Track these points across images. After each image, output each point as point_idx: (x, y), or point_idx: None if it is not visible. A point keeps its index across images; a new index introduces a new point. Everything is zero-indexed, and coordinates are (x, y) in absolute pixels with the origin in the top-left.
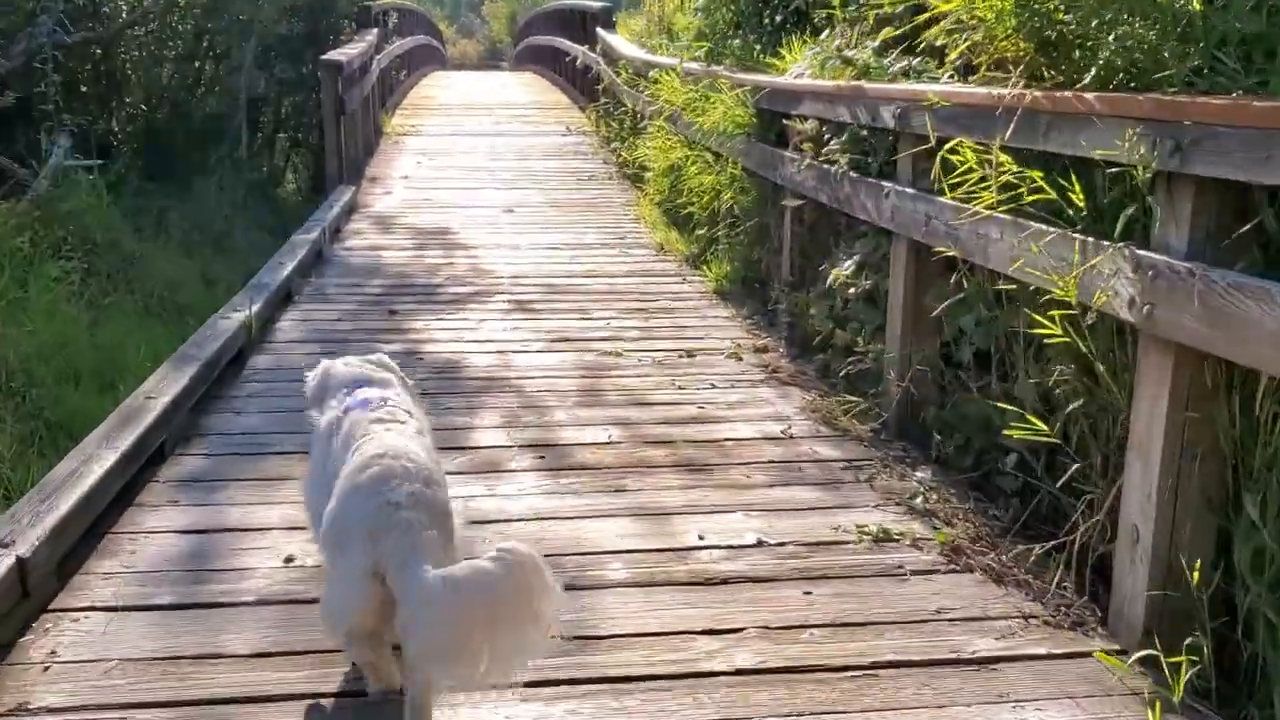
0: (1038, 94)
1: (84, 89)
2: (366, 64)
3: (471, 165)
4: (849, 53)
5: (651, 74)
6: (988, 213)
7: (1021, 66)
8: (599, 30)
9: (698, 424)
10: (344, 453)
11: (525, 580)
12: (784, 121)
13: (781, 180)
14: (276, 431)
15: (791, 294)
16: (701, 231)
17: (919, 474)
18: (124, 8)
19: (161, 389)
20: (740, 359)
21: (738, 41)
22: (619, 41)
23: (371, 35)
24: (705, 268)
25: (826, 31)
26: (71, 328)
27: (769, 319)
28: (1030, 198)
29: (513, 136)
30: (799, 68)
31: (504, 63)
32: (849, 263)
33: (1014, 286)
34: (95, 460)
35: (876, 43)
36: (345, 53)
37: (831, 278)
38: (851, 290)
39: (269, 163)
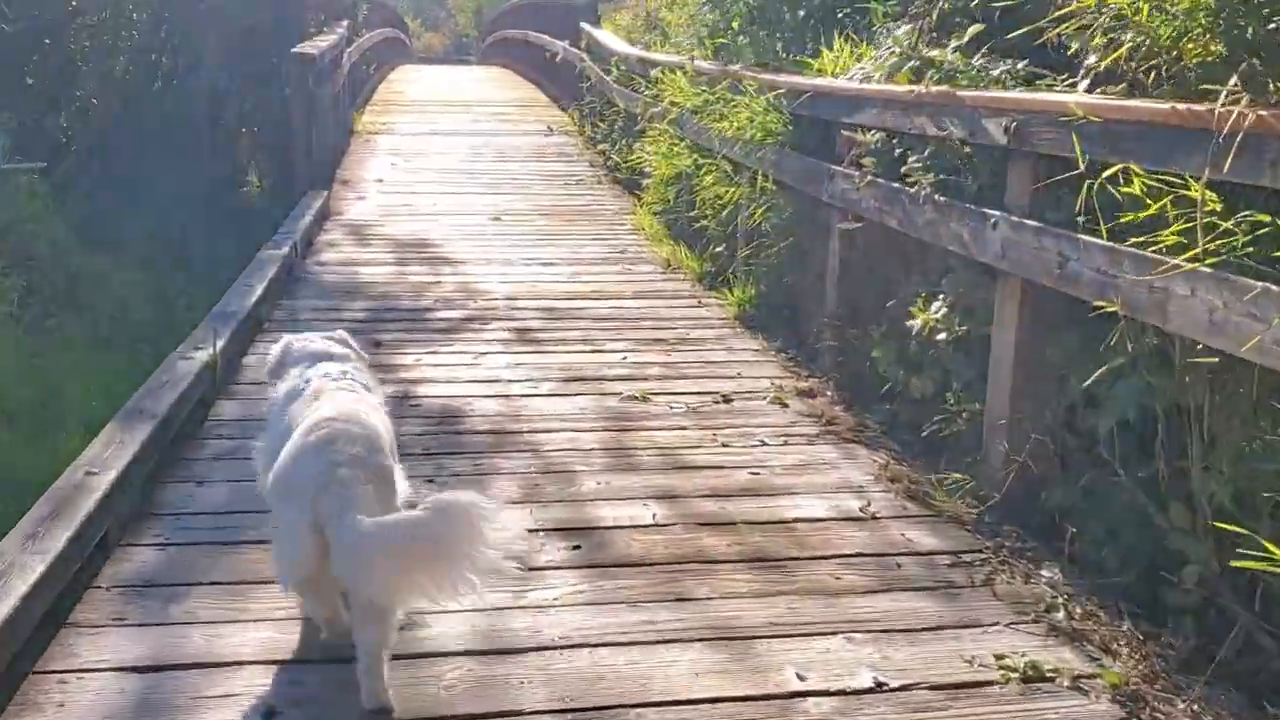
0: (1265, 114)
1: (29, 81)
2: (338, 58)
3: (450, 167)
4: (931, 53)
5: (653, 73)
6: (1188, 265)
7: (1198, 74)
8: (585, 26)
9: (755, 497)
10: (301, 410)
11: (454, 527)
12: (839, 131)
13: (829, 198)
14: (248, 510)
15: (839, 328)
16: (719, 249)
17: (1047, 574)
18: None
19: (106, 460)
20: (785, 405)
21: (744, 39)
22: (608, 38)
23: (342, 28)
24: (725, 290)
25: (881, 30)
26: (6, 358)
27: (808, 354)
28: (1242, 248)
29: (492, 136)
30: (860, 69)
31: (471, 56)
32: (939, 305)
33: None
34: (16, 572)
35: (963, 41)
36: (316, 45)
37: (918, 324)
38: (942, 336)
39: (232, 162)
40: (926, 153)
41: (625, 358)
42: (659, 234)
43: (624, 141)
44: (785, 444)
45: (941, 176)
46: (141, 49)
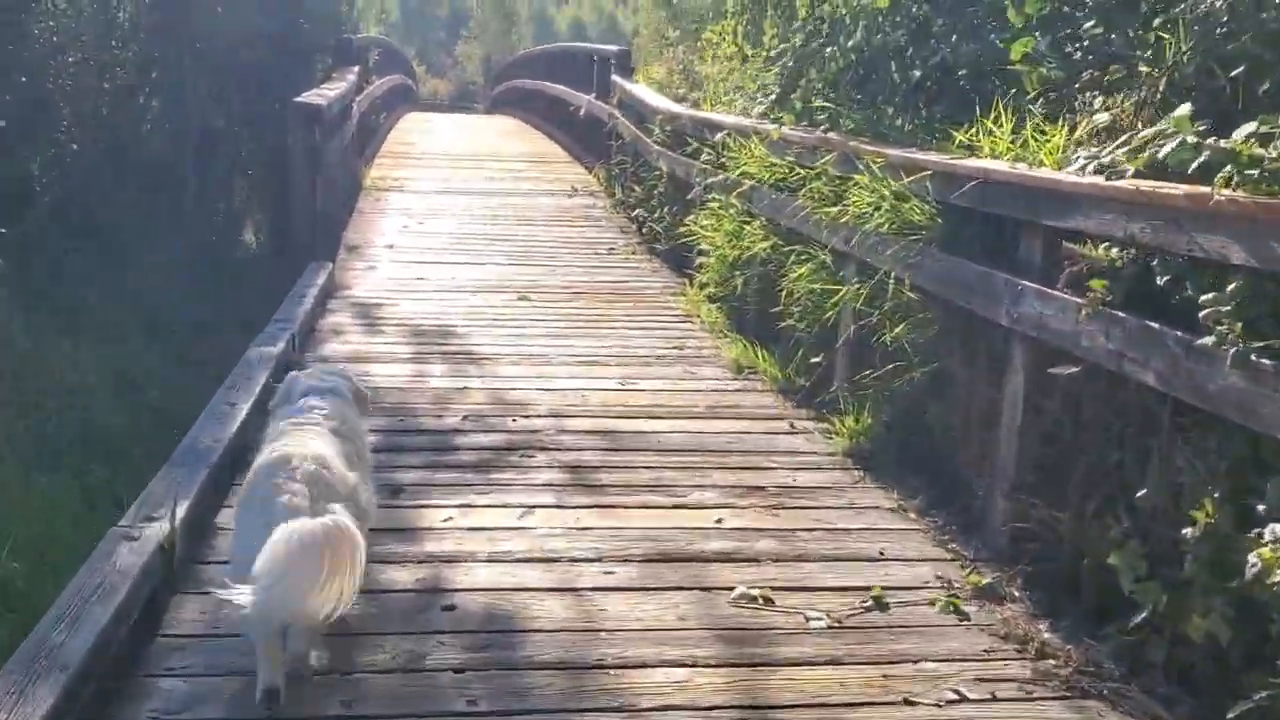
0: None
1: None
2: (347, 108)
3: (468, 231)
4: (1230, 143)
5: (717, 137)
6: None
7: None
8: (616, 79)
9: None
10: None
11: (332, 541)
12: (1036, 235)
13: (1013, 321)
14: None
15: (1025, 502)
16: (814, 358)
17: None
18: (53, 27)
19: None
20: (963, 615)
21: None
22: (647, 93)
23: (352, 75)
24: (827, 414)
25: (1083, 101)
26: None
27: (966, 522)
28: None
29: (511, 196)
30: (1086, 156)
31: (477, 104)
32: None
33: None
34: None
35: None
36: (324, 94)
37: (1253, 564)
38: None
39: (223, 215)
40: (1232, 289)
41: (720, 520)
42: (719, 325)
43: (666, 210)
44: (993, 699)
45: (1258, 327)
46: (128, 88)
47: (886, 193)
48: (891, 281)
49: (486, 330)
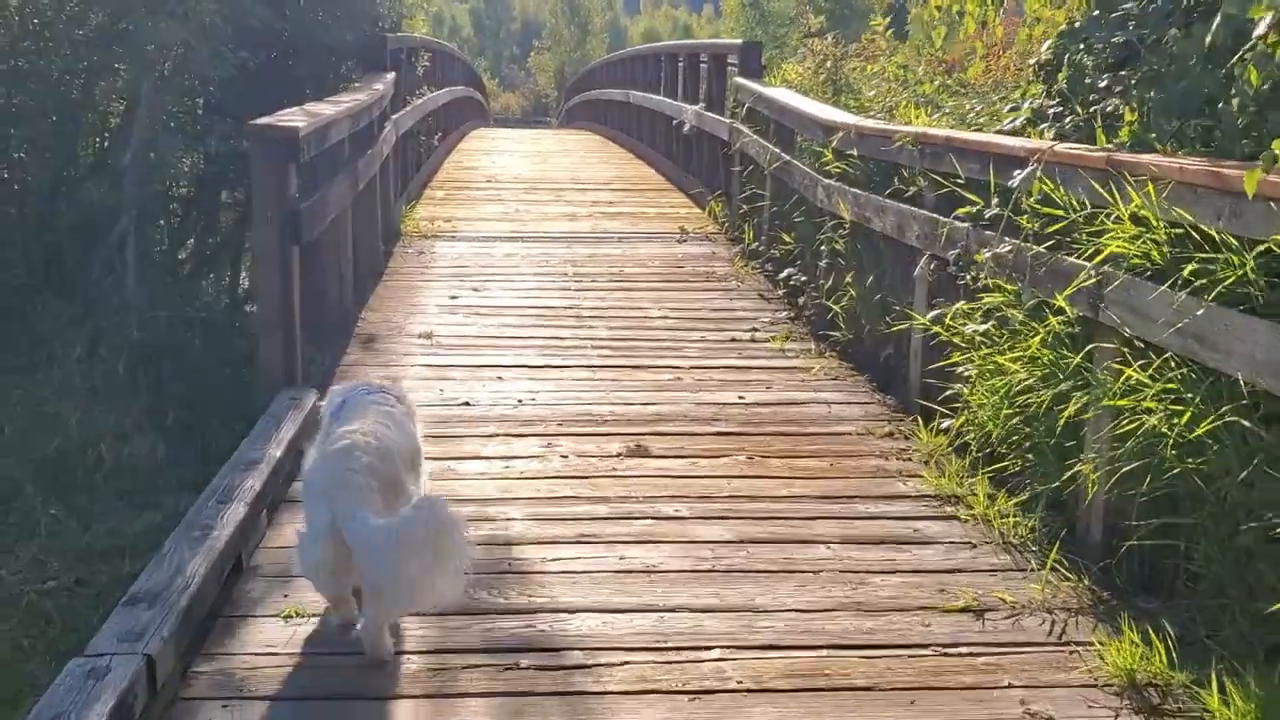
0: None
1: None
2: (370, 130)
3: (543, 306)
4: None
5: (1017, 180)
6: None
7: None
8: (742, 83)
9: None
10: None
11: (432, 524)
12: None
13: None
14: None
15: None
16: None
17: None
18: None
19: None
20: None
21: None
22: (806, 103)
23: (382, 83)
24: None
25: None
26: None
27: None
28: None
29: (601, 243)
30: None
31: (550, 118)
32: None
33: None
34: None
35: None
36: (311, 113)
37: None
38: None
39: (195, 286)
40: None
41: None
42: (1020, 533)
43: (851, 279)
44: None
45: None
46: (55, 115)
47: None
48: None
49: (587, 554)
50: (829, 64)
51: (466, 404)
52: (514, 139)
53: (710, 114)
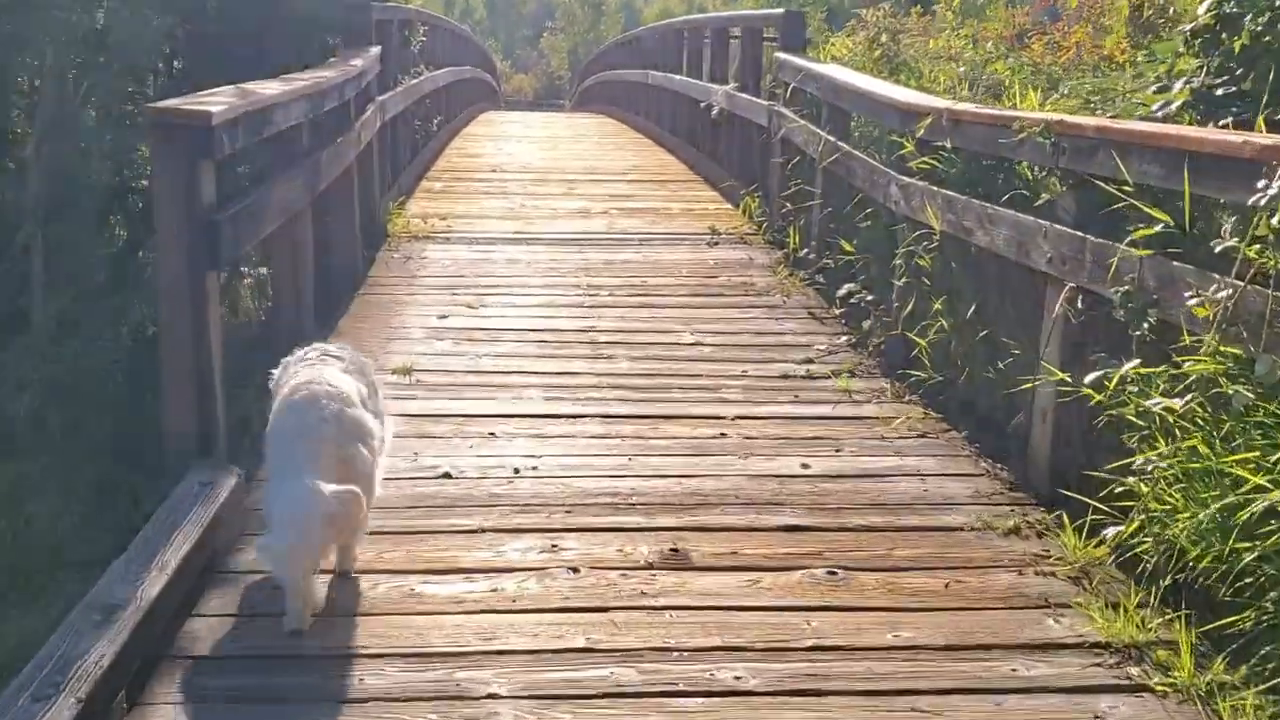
0: None
1: None
2: (343, 113)
3: (551, 328)
4: None
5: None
6: None
7: None
8: (784, 58)
9: None
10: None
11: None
12: None
13: None
14: None
15: None
16: None
17: None
18: None
19: None
20: None
21: None
22: (880, 84)
23: (362, 58)
24: None
25: None
26: None
27: None
28: None
29: (619, 246)
30: None
31: (563, 100)
32: None
33: None
34: None
35: None
36: (244, 93)
37: None
38: None
39: (121, 305)
40: None
41: None
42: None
43: (939, 304)
44: None
45: None
46: None
47: None
48: None
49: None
50: (884, 37)
51: (447, 476)
52: (524, 123)
53: (743, 95)
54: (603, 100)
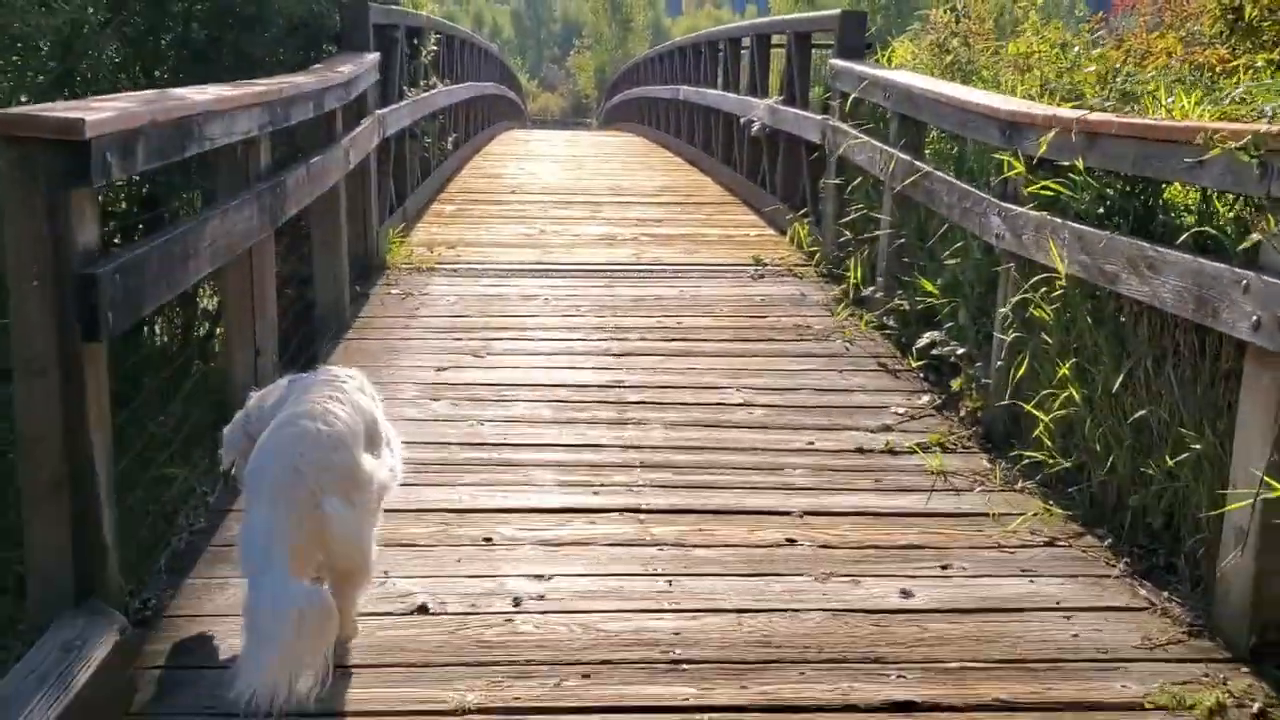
0: None
1: None
2: (325, 126)
3: (570, 383)
4: None
5: None
6: None
7: None
8: (844, 64)
9: None
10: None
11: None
12: None
13: None
14: None
15: None
16: None
17: None
18: None
19: None
20: None
21: None
22: (975, 93)
23: (351, 64)
24: None
25: None
26: None
27: None
28: None
29: (650, 278)
30: None
31: (590, 119)
32: None
33: None
34: None
35: None
36: (148, 101)
37: None
38: None
39: None
40: None
41: None
42: None
43: (1071, 370)
44: None
45: None
46: None
47: None
48: None
49: None
50: (955, 41)
51: (423, 610)
52: (548, 141)
53: (790, 109)
54: (631, 118)
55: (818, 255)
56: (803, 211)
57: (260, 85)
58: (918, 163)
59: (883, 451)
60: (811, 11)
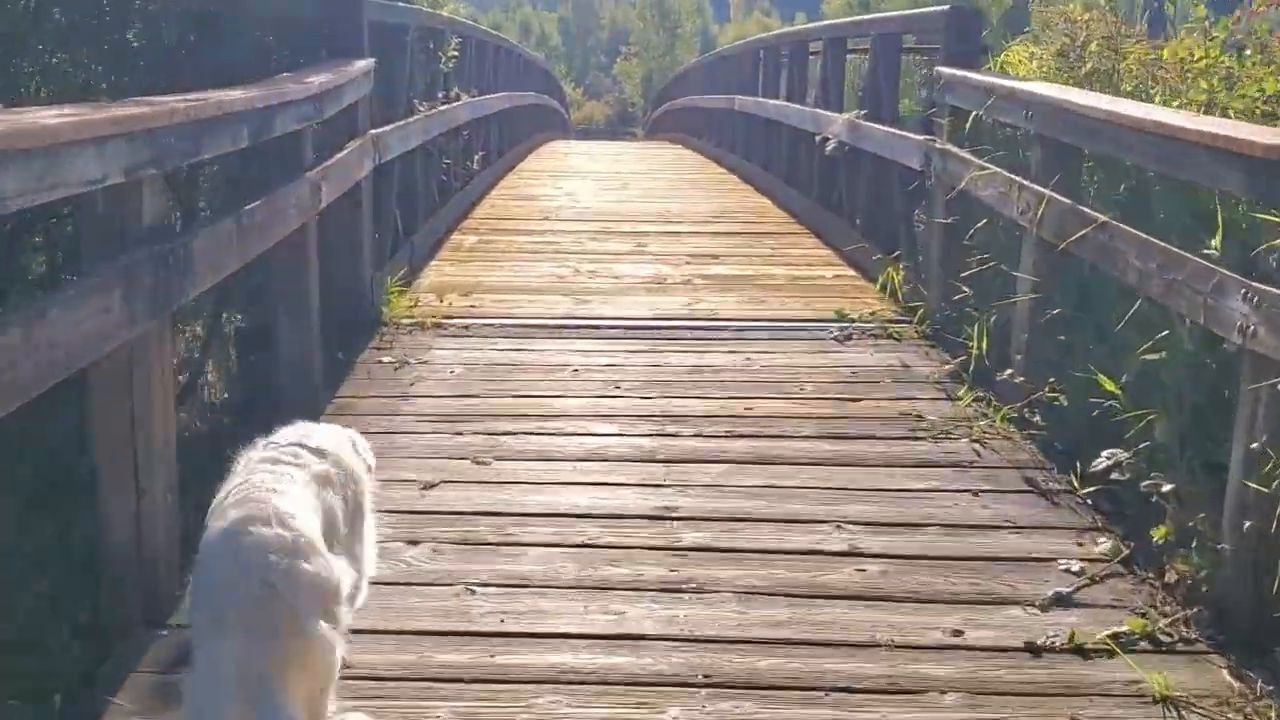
0: None
1: None
2: (289, 154)
3: (603, 512)
4: None
5: None
6: None
7: None
8: (957, 73)
9: None
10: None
11: None
12: None
13: None
14: None
15: None
16: None
17: None
18: None
19: None
20: None
21: None
22: (1178, 115)
23: (328, 74)
24: None
25: None
26: None
27: None
28: None
29: (709, 342)
30: None
31: (636, 128)
32: None
33: None
34: None
35: None
36: None
37: None
38: None
39: None
40: None
41: None
42: None
43: None
44: None
45: None
46: None
47: None
48: None
49: None
50: (1093, 46)
51: None
52: (591, 155)
53: (877, 126)
54: (679, 128)
55: (920, 312)
56: (894, 253)
57: (133, 107)
58: (1084, 209)
59: (1066, 649)
60: (891, 11)
